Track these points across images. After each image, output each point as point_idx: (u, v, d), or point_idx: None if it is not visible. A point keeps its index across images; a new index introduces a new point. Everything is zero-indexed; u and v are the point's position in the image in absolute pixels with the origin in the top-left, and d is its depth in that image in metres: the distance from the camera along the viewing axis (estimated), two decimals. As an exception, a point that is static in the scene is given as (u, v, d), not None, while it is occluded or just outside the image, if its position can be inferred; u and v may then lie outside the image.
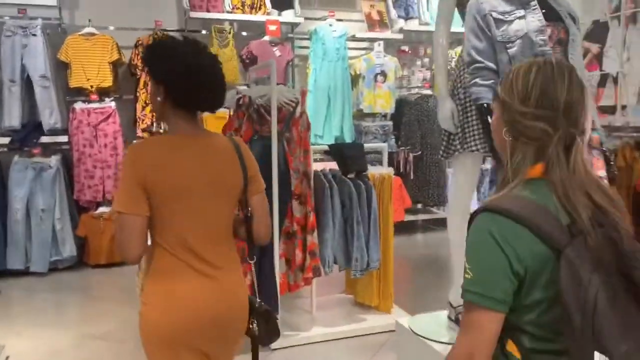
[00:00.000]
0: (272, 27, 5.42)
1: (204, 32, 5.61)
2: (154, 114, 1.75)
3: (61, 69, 5.00)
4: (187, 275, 1.54)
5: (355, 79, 5.86)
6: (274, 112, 3.15)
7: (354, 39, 5.93)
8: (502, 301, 1.03)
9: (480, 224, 1.07)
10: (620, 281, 0.96)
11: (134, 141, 5.11)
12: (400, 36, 6.04)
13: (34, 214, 4.77)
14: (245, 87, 3.88)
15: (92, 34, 4.95)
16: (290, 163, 3.24)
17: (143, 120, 5.04)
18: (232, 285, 1.63)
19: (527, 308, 1.05)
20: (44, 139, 4.87)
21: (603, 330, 0.92)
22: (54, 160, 4.82)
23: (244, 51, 5.53)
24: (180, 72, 1.51)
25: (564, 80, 1.07)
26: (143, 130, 5.10)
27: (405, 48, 6.18)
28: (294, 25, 5.90)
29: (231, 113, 3.54)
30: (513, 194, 1.07)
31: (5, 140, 4.78)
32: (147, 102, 5.04)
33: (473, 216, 1.09)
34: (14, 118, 4.72)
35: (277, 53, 5.53)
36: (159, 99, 1.54)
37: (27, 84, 4.77)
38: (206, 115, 5.12)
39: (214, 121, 5.17)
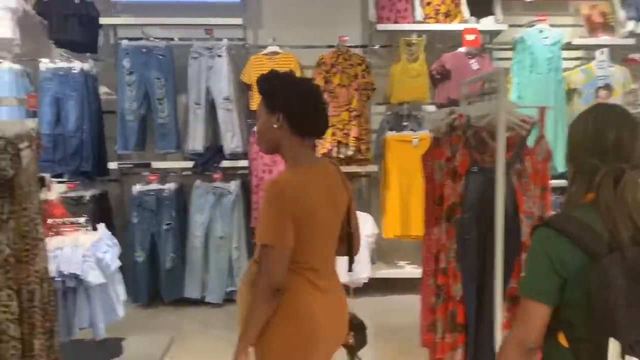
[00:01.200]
0: (470, 37, 4.67)
1: (389, 46, 5.07)
2: (266, 144, 1.71)
3: (243, 90, 4.79)
4: (313, 294, 1.66)
5: (569, 95, 4.84)
6: (502, 137, 2.40)
7: (568, 47, 4.91)
8: (546, 294, 1.24)
9: (535, 236, 1.31)
10: None
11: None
12: (630, 41, 4.87)
13: (212, 242, 4.57)
14: (445, 107, 3.17)
15: (275, 53, 4.67)
16: (520, 204, 2.45)
17: (323, 144, 4.60)
18: (344, 301, 1.78)
19: (571, 304, 1.24)
20: (225, 163, 4.68)
21: (622, 320, 1.11)
22: (234, 185, 4.59)
23: (435, 66, 4.84)
24: (301, 99, 1.62)
25: (614, 121, 1.28)
26: (323, 156, 4.66)
27: (636, 56, 4.97)
28: (493, 33, 5.07)
29: (432, 138, 2.87)
30: (566, 213, 1.32)
31: (189, 164, 4.69)
32: (329, 124, 4.60)
33: (534, 230, 1.32)
34: (197, 141, 4.60)
35: (475, 66, 4.75)
36: (275, 126, 1.62)
37: (211, 107, 4.63)
38: (394, 139, 4.50)
39: (404, 147, 4.56)
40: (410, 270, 4.92)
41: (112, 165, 4.62)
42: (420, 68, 4.73)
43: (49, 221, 2.50)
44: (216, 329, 4.09)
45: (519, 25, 4.97)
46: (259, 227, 1.61)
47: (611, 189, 1.21)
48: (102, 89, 4.94)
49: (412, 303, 3.40)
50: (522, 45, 4.78)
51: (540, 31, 4.75)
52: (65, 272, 2.14)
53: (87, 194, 4.58)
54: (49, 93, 4.49)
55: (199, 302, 4.57)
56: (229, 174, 4.77)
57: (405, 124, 4.86)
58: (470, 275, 2.55)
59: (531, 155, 2.49)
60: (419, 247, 5.00)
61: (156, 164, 4.68)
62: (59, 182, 4.72)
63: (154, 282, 4.62)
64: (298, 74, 4.55)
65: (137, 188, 4.56)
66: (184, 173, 4.88)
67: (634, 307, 1.12)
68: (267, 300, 1.57)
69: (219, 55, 4.55)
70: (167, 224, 4.52)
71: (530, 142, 2.54)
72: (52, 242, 2.28)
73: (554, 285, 1.23)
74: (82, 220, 2.54)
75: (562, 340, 1.27)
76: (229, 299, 4.54)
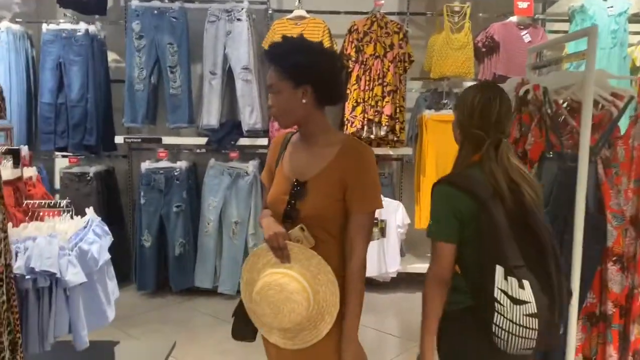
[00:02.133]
0: (523, 5, 4.09)
1: (429, 14, 4.52)
2: (290, 120, 1.59)
3: (264, 60, 4.29)
4: None
5: (633, 73, 4.25)
6: (587, 115, 1.89)
7: (636, 18, 4.30)
8: (452, 236, 1.53)
9: (435, 192, 1.58)
10: (521, 225, 1.47)
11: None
12: None
13: (226, 227, 4.13)
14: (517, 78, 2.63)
15: (302, 18, 4.16)
16: (607, 200, 1.94)
17: (353, 122, 4.10)
18: None
19: (465, 241, 1.54)
20: (243, 141, 4.21)
21: (504, 251, 1.44)
22: (252, 166, 4.13)
23: (481, 37, 4.29)
24: (330, 71, 1.56)
25: (495, 102, 1.56)
26: (352, 135, 4.17)
27: None
28: (546, 2, 4.49)
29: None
30: (459, 171, 1.61)
31: (202, 140, 4.23)
32: (359, 100, 4.10)
33: (434, 187, 1.59)
34: (212, 116, 4.13)
35: (527, 38, 4.19)
36: (304, 102, 1.53)
37: (228, 78, 4.15)
38: (432, 119, 4.01)
39: (444, 129, 4.04)
40: (444, 266, 4.43)
41: (119, 139, 4.18)
42: (464, 39, 4.18)
43: (25, 203, 2.07)
44: (229, 323, 3.66)
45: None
46: (371, 194, 1.57)
47: (493, 155, 1.53)
48: (111, 56, 4.51)
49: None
50: (581, 16, 4.20)
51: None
52: (36, 269, 1.72)
53: (91, 170, 4.18)
54: (50, 57, 4.07)
55: (211, 293, 4.15)
56: (247, 153, 4.31)
57: (445, 101, 4.33)
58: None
59: (624, 140, 1.96)
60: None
61: (167, 140, 4.23)
62: (63, 157, 4.35)
63: (162, 269, 4.22)
64: (327, 43, 4.05)
65: (145, 165, 4.13)
66: (197, 150, 4.43)
67: (513, 240, 1.45)
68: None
69: (239, 19, 4.05)
70: (177, 206, 4.09)
71: (624, 123, 2.01)
72: (23, 231, 1.85)
73: (455, 228, 1.52)
74: (63, 202, 2.08)
75: (457, 268, 1.58)
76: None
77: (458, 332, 1.55)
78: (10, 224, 1.83)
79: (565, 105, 2.11)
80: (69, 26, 4.11)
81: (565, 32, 4.45)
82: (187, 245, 4.14)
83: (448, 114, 4.20)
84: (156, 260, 4.16)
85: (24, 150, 2.08)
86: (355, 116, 4.09)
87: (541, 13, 4.52)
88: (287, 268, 1.49)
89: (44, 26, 4.11)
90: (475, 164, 1.56)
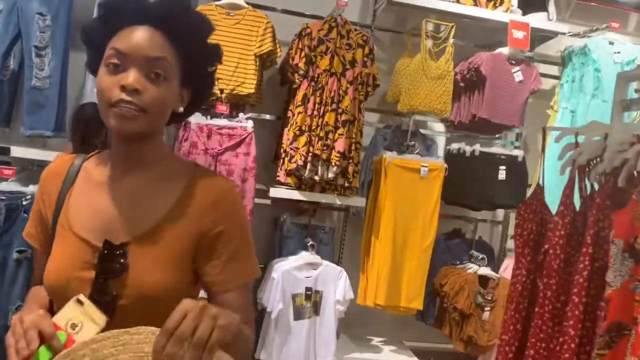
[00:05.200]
0: (518, 35, 3.25)
1: (397, 32, 3.59)
2: (150, 124, 1.01)
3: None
4: None
5: None
6: None
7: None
8: None
9: None
10: None
11: (271, 188, 3.09)
12: None
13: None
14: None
15: (238, 7, 3.05)
16: None
17: (292, 157, 3.00)
18: None
19: None
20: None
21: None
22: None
23: (462, 67, 3.39)
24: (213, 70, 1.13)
25: None
26: (288, 174, 3.06)
27: None
28: (535, 41, 3.67)
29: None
30: None
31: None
32: (304, 128, 3.01)
33: None
34: (93, 125, 2.87)
35: (519, 77, 3.35)
36: (181, 109, 1.07)
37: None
38: (395, 164, 3.11)
39: (408, 178, 3.06)
40: (390, 355, 3.38)
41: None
42: (444, 66, 3.25)
43: None
44: None
45: (572, 35, 3.62)
46: (248, 258, 1.06)
47: None
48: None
49: None
50: (581, 59, 3.43)
51: (611, 43, 3.42)
52: None
53: None
54: None
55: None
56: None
57: (411, 143, 3.36)
58: None
59: None
60: (396, 319, 3.51)
61: (17, 151, 2.87)
62: None
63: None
64: (268, 45, 2.99)
65: (-22, 186, 2.77)
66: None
67: None
68: None
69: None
70: (19, 251, 2.73)
71: None
72: None
73: None
74: None
75: None
76: None
77: None
78: None
79: None
80: None
81: (556, 77, 3.68)
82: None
83: (414, 159, 3.23)
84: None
85: None
86: (297, 149, 3.00)
87: (529, 50, 3.71)
88: None
89: None
90: None
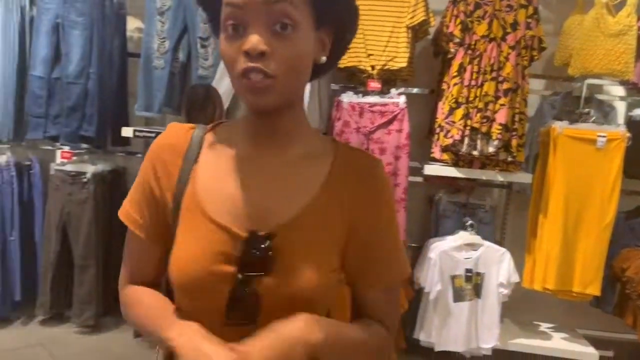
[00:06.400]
0: None
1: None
2: (288, 93, 0.83)
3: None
4: None
5: None
6: None
7: None
8: None
9: None
10: None
11: (425, 165, 2.97)
12: None
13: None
14: None
15: (386, -22, 2.96)
16: None
17: (448, 131, 2.85)
18: None
19: None
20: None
21: None
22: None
23: (648, 20, 2.92)
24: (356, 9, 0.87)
25: None
26: (444, 150, 2.92)
27: None
28: None
29: None
30: None
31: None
32: (460, 100, 2.84)
33: None
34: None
35: None
36: (323, 58, 0.87)
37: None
38: (565, 135, 2.75)
39: (581, 149, 2.74)
40: (561, 343, 3.10)
41: (127, 131, 3.13)
42: (627, 21, 2.83)
43: None
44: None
45: None
46: (399, 254, 0.93)
47: None
48: (134, 23, 3.48)
49: None
50: None
51: None
52: None
53: (90, 169, 3.15)
54: (47, 17, 3.07)
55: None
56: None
57: (585, 110, 3.00)
58: None
59: None
60: (565, 304, 3.18)
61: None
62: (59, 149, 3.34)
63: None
64: (421, 15, 2.85)
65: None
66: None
67: None
68: None
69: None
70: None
71: None
72: None
73: None
74: None
75: None
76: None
77: None
78: None
79: None
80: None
81: None
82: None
83: (588, 128, 2.88)
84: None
85: None
86: (454, 122, 2.83)
87: None
88: None
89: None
90: None
